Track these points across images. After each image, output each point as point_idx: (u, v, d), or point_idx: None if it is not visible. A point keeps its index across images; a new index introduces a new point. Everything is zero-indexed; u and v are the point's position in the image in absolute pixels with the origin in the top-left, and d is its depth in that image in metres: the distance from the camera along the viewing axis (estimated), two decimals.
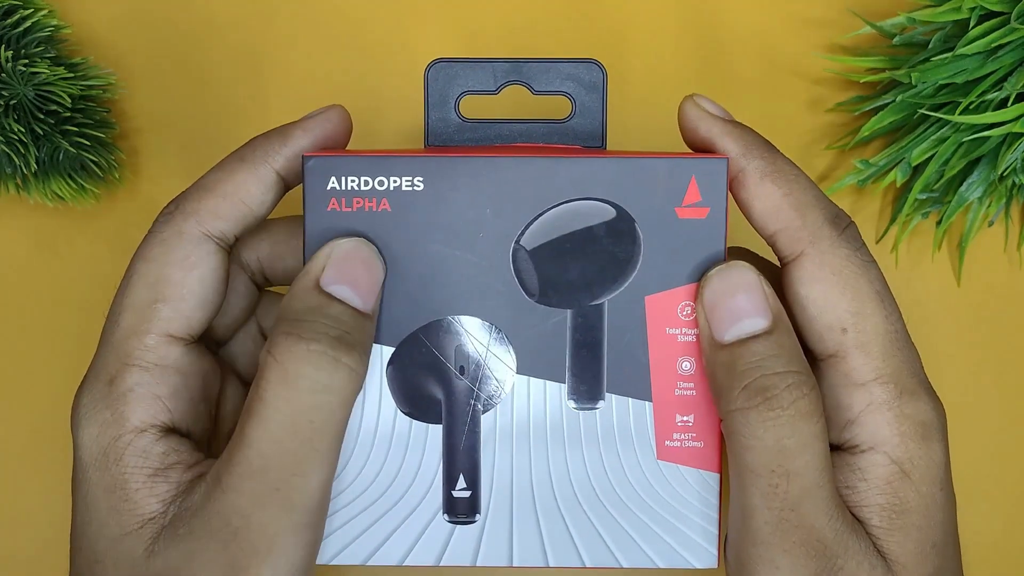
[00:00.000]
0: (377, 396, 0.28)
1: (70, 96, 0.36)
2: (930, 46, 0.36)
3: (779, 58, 0.41)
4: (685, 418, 0.28)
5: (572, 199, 0.27)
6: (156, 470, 0.26)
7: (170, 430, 0.27)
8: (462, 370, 0.28)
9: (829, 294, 0.27)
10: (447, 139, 0.30)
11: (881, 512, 0.26)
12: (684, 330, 0.27)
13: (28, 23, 0.36)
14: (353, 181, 0.27)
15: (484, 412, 0.28)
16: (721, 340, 0.26)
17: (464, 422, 0.28)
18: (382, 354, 0.28)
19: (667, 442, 0.28)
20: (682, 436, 0.28)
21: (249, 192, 0.28)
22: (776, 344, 0.26)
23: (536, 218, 0.27)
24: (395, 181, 0.27)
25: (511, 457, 0.28)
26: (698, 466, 0.28)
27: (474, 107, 0.35)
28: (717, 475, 0.28)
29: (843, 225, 0.27)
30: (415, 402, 0.28)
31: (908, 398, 0.27)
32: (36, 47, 0.36)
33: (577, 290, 0.27)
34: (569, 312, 0.27)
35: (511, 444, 0.28)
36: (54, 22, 0.37)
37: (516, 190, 0.27)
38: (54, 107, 0.36)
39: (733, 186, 0.28)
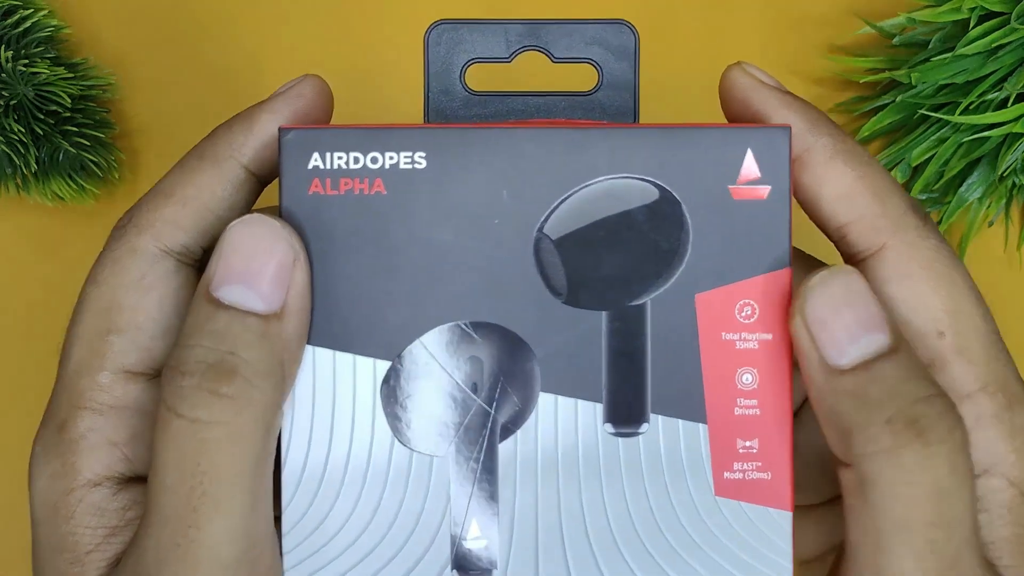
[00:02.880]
0: (369, 422, 0.21)
1: (70, 96, 0.32)
2: (930, 46, 0.33)
3: (779, 58, 0.37)
4: (748, 444, 0.21)
5: (605, 178, 0.21)
6: (113, 528, 0.21)
7: (131, 480, 0.21)
8: (475, 388, 0.21)
9: (921, 292, 0.21)
10: (451, 115, 0.24)
11: (1009, 547, 0.20)
12: (744, 335, 0.21)
13: (28, 23, 0.32)
14: (340, 158, 0.21)
15: (502, 439, 0.21)
16: (838, 365, 0.20)
17: (478, 452, 0.21)
18: (375, 370, 0.20)
19: (726, 473, 0.21)
20: (744, 466, 0.21)
21: (214, 195, 0.21)
22: (907, 364, 0.19)
23: (562, 201, 0.21)
24: (392, 157, 0.21)
25: (535, 494, 0.21)
26: (765, 503, 0.21)
27: (483, 77, 0.28)
28: (789, 514, 0.21)
29: (924, 214, 0.21)
30: (416, 429, 0.21)
31: (1020, 408, 0.21)
32: (36, 47, 0.33)
33: (613, 288, 0.21)
34: (604, 315, 0.21)
35: (536, 478, 0.21)
36: (54, 22, 0.33)
37: (538, 167, 0.20)
38: (54, 107, 0.32)
39: (795, 168, 0.21)
